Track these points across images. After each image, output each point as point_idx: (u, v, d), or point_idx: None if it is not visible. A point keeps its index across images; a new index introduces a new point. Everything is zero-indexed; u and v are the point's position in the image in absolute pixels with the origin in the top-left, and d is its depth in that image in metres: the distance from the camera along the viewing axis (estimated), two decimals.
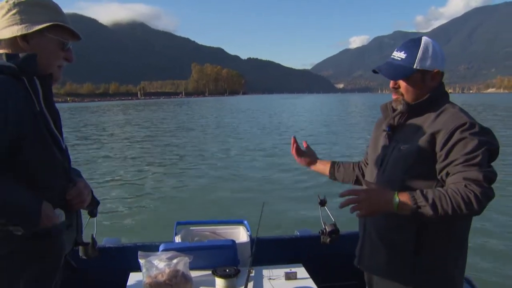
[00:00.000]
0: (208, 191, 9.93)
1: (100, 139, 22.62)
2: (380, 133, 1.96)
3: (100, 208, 1.81)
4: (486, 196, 1.50)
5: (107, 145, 19.80)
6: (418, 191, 1.56)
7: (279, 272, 2.30)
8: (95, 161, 14.65)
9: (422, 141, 1.69)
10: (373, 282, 1.98)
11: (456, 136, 1.61)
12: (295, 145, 2.33)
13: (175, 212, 7.91)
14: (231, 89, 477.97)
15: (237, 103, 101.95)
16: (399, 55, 1.81)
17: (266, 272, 2.32)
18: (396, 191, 1.58)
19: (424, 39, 1.80)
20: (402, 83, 1.80)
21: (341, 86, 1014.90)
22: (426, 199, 1.52)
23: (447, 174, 1.62)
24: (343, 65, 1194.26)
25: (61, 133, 1.52)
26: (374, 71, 1.88)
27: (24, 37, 1.44)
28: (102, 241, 2.75)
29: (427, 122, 1.74)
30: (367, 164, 2.10)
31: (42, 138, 1.38)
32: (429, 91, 1.78)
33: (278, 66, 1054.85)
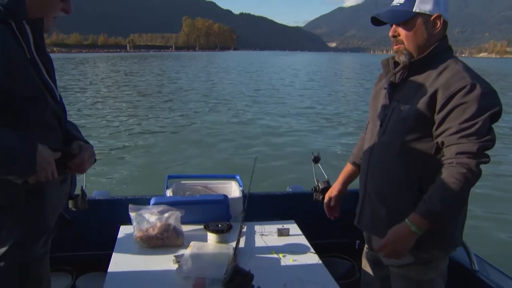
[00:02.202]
0: (201, 145, 9.90)
1: (87, 89, 22.32)
2: (380, 89, 1.90)
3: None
4: (479, 165, 1.53)
5: (94, 96, 19.55)
6: (421, 205, 1.58)
7: (271, 228, 2.29)
8: (82, 112, 14.49)
9: (422, 102, 1.64)
10: (372, 240, 1.98)
11: (456, 100, 1.56)
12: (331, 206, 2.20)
13: (166, 165, 7.88)
14: (222, 44, 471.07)
15: (229, 58, 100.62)
16: (398, 0, 1.72)
17: (258, 228, 2.30)
18: (406, 219, 1.60)
19: None
20: (401, 30, 1.72)
21: (333, 45, 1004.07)
22: (434, 206, 1.54)
23: (443, 143, 1.60)
24: (337, 24, 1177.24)
25: (54, 82, 1.42)
26: (373, 19, 1.79)
27: None
28: (92, 194, 2.71)
29: (428, 80, 1.67)
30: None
31: (34, 86, 1.29)
32: (432, 42, 1.70)
33: (271, 22, 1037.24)
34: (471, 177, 1.52)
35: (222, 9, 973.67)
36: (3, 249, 1.31)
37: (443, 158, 1.61)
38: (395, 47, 1.76)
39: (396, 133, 1.73)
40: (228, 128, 12.14)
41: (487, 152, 1.56)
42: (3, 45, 1.19)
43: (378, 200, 1.83)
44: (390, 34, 1.75)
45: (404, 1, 1.69)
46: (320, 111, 16.25)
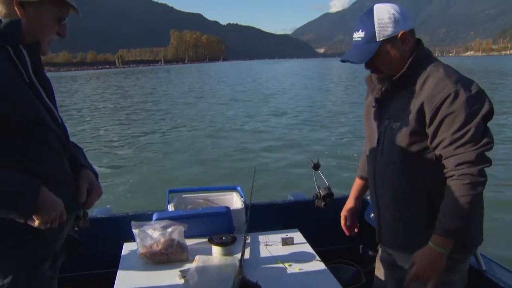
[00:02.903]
0: (199, 158, 9.88)
1: (83, 108, 22.24)
2: (370, 107, 1.88)
3: None
4: (482, 171, 1.52)
5: (90, 114, 19.49)
6: (438, 225, 1.57)
7: (275, 237, 2.28)
8: (81, 130, 14.43)
9: (411, 118, 1.62)
10: (395, 255, 1.95)
11: (443, 111, 1.53)
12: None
13: (166, 180, 7.83)
14: (211, 55, 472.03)
15: (219, 69, 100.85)
16: (358, 35, 1.68)
17: (262, 238, 2.30)
18: (430, 242, 1.59)
19: (376, 7, 1.67)
20: (374, 61, 1.68)
21: (322, 51, 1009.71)
22: (451, 224, 1.54)
23: (441, 156, 1.59)
24: (324, 30, 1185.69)
25: (54, 104, 1.41)
26: (342, 61, 1.75)
27: (21, 2, 1.30)
28: (93, 212, 2.70)
29: (413, 93, 1.63)
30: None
31: (35, 109, 1.27)
32: (407, 56, 1.66)
33: (259, 31, 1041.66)
34: (477, 185, 1.51)
35: (209, 21, 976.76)
36: (9, 273, 1.29)
37: (445, 171, 1.59)
38: (376, 76, 1.73)
39: (394, 152, 1.72)
40: (224, 139, 12.13)
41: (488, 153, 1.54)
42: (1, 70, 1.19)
43: (392, 218, 1.83)
44: (366, 68, 1.73)
45: (364, 35, 1.65)
46: (313, 116, 16.31)
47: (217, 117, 16.84)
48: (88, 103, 24.95)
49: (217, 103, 22.33)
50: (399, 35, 1.63)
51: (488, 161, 1.53)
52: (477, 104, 1.53)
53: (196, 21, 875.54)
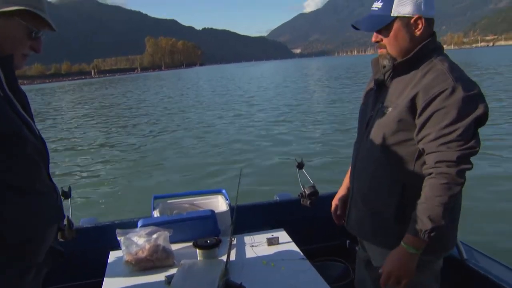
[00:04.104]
0: (183, 163, 9.82)
1: (61, 119, 21.89)
2: (370, 90, 1.86)
3: (73, 188, 1.74)
4: (461, 172, 1.49)
5: (69, 124, 19.21)
6: (412, 225, 1.54)
7: (261, 238, 2.28)
8: (60, 140, 14.27)
9: (404, 105, 1.58)
10: (363, 241, 1.97)
11: (436, 104, 1.50)
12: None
13: (151, 186, 7.79)
14: (188, 61, 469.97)
15: (196, 74, 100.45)
16: (376, 5, 1.65)
17: (248, 239, 2.29)
18: (402, 243, 1.57)
19: None
20: (383, 36, 1.65)
21: (298, 51, 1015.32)
22: (424, 224, 1.50)
23: (424, 150, 1.56)
24: (299, 30, 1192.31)
25: (31, 117, 1.39)
26: (354, 27, 1.74)
27: None
28: (79, 222, 2.67)
29: (412, 81, 1.61)
30: None
31: (11, 122, 1.25)
32: (416, 43, 1.62)
33: (234, 34, 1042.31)
34: (453, 186, 1.48)
35: (184, 26, 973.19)
36: None
37: (424, 167, 1.57)
38: (379, 51, 1.71)
39: (378, 136, 1.69)
40: (209, 143, 12.06)
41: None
42: None
43: (362, 203, 1.81)
44: (373, 40, 1.69)
45: (382, 6, 1.62)
46: (294, 115, 16.37)
47: (200, 122, 16.75)
48: (66, 114, 24.58)
49: (198, 108, 22.22)
50: (414, 18, 1.60)
51: (469, 164, 1.50)
52: (472, 105, 1.49)
53: (171, 27, 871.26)
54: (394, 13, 1.60)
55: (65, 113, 25.71)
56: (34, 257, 1.38)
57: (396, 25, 1.61)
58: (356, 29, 1.74)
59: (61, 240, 1.70)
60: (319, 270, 1.95)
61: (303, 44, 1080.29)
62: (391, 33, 1.63)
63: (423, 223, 1.51)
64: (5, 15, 1.29)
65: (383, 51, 1.68)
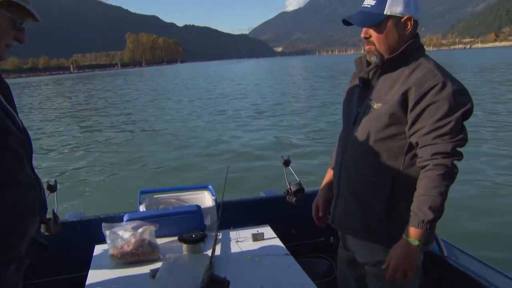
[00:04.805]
0: (170, 158, 9.82)
1: (42, 113, 21.67)
2: (354, 89, 1.89)
3: (59, 182, 1.73)
4: (455, 163, 1.56)
5: (50, 119, 19.01)
6: (413, 217, 1.57)
7: (246, 233, 2.30)
8: (42, 134, 14.09)
9: (395, 100, 1.64)
10: (347, 239, 1.99)
11: (428, 98, 1.57)
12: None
13: (137, 181, 7.77)
14: (169, 58, 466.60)
15: (177, 71, 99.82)
16: (369, 2, 1.71)
17: (233, 234, 2.31)
18: (404, 236, 1.59)
19: None
20: (373, 32, 1.71)
21: (280, 49, 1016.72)
22: (425, 215, 1.54)
23: (417, 144, 1.61)
24: (281, 29, 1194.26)
25: (14, 109, 1.39)
26: (344, 21, 1.77)
27: None
28: (65, 216, 2.64)
29: (400, 78, 1.67)
30: None
31: None
32: (403, 43, 1.69)
33: (216, 32, 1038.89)
34: (450, 176, 1.55)
35: (166, 23, 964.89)
36: None
37: (418, 160, 1.62)
38: (366, 47, 1.76)
39: (368, 131, 1.73)
40: (195, 139, 12.07)
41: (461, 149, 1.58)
42: None
43: (351, 198, 1.83)
44: (362, 35, 1.74)
45: (375, 3, 1.69)
46: (279, 113, 16.45)
47: (185, 117, 16.75)
48: (46, 109, 24.23)
49: (181, 104, 22.18)
50: (404, 18, 1.68)
51: (461, 155, 1.57)
52: (461, 99, 1.57)
53: (152, 23, 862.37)
54: (387, 11, 1.67)
55: (47, 108, 25.36)
56: (15, 250, 1.36)
57: (387, 24, 1.68)
58: (347, 24, 1.78)
59: (46, 233, 1.70)
60: (304, 267, 1.96)
61: (285, 42, 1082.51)
62: (382, 31, 1.69)
63: (425, 214, 1.55)
64: None
65: (371, 47, 1.73)
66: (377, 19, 1.68)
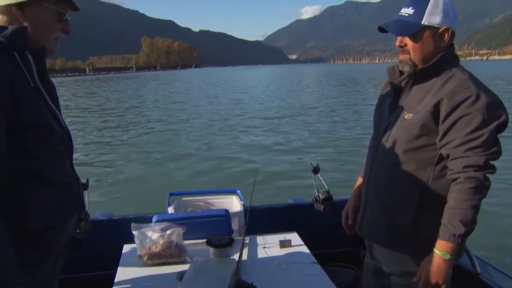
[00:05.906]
0: (200, 162, 9.84)
1: (68, 113, 21.83)
2: (385, 97, 1.88)
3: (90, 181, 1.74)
4: (487, 176, 1.52)
5: (79, 118, 19.32)
6: (443, 230, 1.54)
7: (273, 240, 2.29)
8: (78, 136, 14.18)
9: (426, 111, 1.61)
10: (373, 248, 1.96)
11: (460, 110, 1.54)
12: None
13: (166, 183, 7.84)
14: (184, 62, 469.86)
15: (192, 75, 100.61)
16: (406, 11, 1.68)
17: (260, 240, 2.30)
18: (435, 250, 1.56)
19: None
20: (408, 41, 1.68)
21: (294, 57, 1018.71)
22: (457, 228, 1.51)
23: (448, 156, 1.58)
24: (296, 36, 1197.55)
25: (58, 108, 1.42)
26: (380, 29, 1.75)
27: (19, 5, 1.30)
28: (95, 214, 2.68)
29: (433, 89, 1.64)
30: None
31: (40, 113, 1.28)
32: (438, 52, 1.67)
33: (231, 37, 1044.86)
34: (482, 189, 1.52)
35: (181, 27, 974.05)
36: None
37: (449, 172, 1.59)
38: (401, 56, 1.73)
39: (398, 141, 1.71)
40: (225, 143, 12.13)
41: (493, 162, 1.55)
42: (4, 74, 1.19)
43: (378, 207, 1.81)
44: (397, 44, 1.73)
45: (413, 13, 1.66)
46: (311, 119, 16.52)
47: (216, 121, 16.86)
48: (72, 109, 24.50)
49: (212, 107, 22.35)
50: (442, 29, 1.65)
51: (494, 168, 1.54)
52: (495, 112, 1.54)
53: (168, 27, 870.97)
54: (425, 21, 1.65)
55: (74, 107, 25.68)
56: (53, 244, 1.39)
57: (424, 33, 1.66)
58: (383, 31, 1.76)
59: (77, 231, 1.70)
60: (330, 275, 1.95)
61: (300, 50, 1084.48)
62: (418, 40, 1.67)
63: (456, 227, 1.51)
64: (33, 3, 1.32)
65: (406, 56, 1.71)
66: (414, 29, 1.66)
